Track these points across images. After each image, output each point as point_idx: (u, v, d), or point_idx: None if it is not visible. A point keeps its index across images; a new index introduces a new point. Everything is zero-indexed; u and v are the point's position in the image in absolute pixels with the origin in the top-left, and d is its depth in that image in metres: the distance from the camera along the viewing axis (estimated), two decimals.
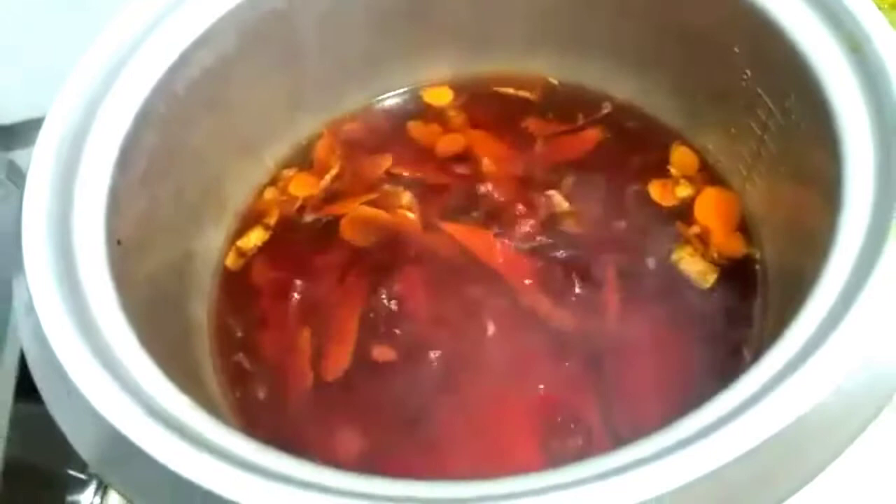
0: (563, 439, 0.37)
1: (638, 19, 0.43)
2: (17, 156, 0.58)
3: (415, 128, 0.49)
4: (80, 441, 0.29)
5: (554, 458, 0.36)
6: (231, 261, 0.45)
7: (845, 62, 0.33)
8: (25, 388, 0.46)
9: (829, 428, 0.25)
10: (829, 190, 0.31)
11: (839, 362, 0.26)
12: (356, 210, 0.45)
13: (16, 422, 0.46)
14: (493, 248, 0.42)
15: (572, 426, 0.37)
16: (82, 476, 0.49)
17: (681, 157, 0.45)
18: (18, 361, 0.47)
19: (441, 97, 0.50)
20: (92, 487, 0.49)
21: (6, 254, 0.48)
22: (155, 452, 0.26)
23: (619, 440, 0.34)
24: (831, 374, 0.25)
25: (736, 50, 0.39)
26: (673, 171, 0.45)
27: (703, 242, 0.42)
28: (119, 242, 0.34)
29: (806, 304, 0.28)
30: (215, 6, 0.39)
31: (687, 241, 0.42)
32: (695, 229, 0.42)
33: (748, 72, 0.39)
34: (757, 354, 0.37)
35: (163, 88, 0.37)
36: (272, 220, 0.46)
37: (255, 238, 0.45)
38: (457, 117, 0.49)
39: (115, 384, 0.28)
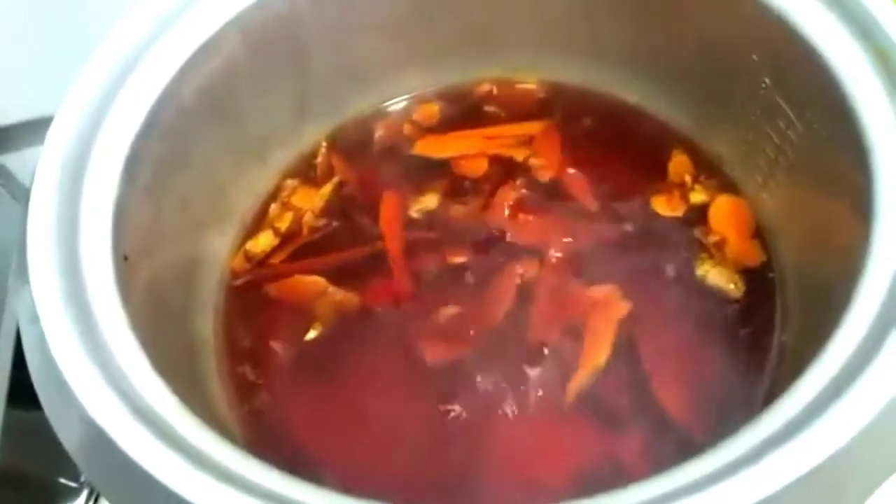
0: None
1: (652, 25, 0.43)
2: (8, 159, 0.57)
3: (417, 139, 0.48)
4: (80, 455, 0.29)
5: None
6: (238, 263, 0.44)
7: (872, 72, 0.32)
8: (17, 395, 0.46)
9: (867, 460, 0.25)
10: (857, 201, 0.31)
11: (880, 389, 0.25)
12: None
13: (7, 429, 0.45)
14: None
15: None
16: (74, 484, 0.48)
17: (692, 164, 0.44)
18: (10, 369, 0.46)
19: (433, 110, 0.49)
20: (83, 496, 0.49)
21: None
22: (156, 471, 0.26)
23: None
24: (872, 402, 0.25)
25: (755, 58, 0.38)
26: (685, 177, 0.44)
27: (720, 251, 0.41)
28: (126, 258, 0.33)
29: (840, 325, 0.27)
30: (220, 11, 0.38)
31: (706, 251, 0.41)
32: (712, 237, 0.42)
33: (767, 80, 0.38)
34: (780, 363, 0.37)
35: (169, 96, 0.37)
36: (283, 225, 0.45)
37: (263, 242, 0.45)
38: (457, 126, 0.48)
39: (119, 400, 0.28)
